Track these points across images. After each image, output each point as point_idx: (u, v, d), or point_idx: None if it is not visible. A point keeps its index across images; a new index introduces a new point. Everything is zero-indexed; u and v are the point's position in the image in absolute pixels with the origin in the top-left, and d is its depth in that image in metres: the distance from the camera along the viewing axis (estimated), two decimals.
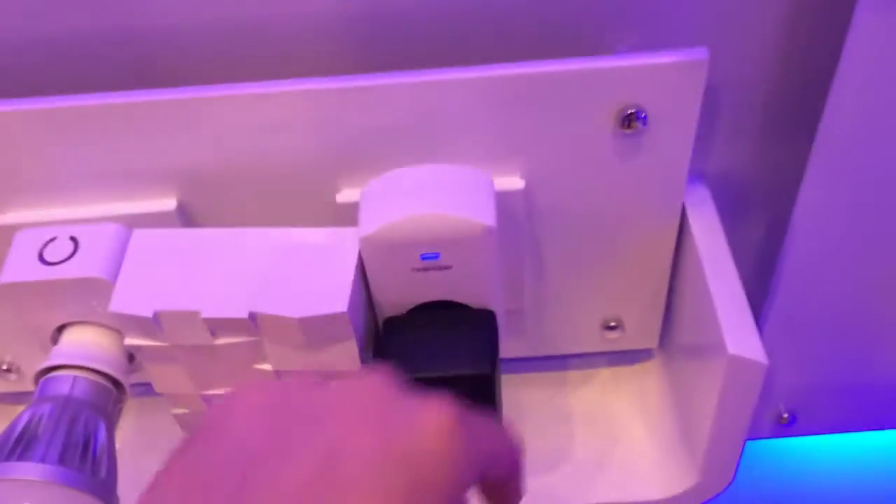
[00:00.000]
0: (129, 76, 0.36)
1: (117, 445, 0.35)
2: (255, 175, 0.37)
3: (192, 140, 0.36)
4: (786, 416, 0.51)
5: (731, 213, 0.42)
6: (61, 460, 0.32)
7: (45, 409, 0.34)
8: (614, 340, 0.46)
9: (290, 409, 0.22)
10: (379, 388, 0.23)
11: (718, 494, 0.43)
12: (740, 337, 0.35)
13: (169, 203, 0.37)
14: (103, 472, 0.33)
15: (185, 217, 0.38)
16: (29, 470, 0.32)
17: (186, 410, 0.39)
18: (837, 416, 0.53)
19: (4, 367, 0.45)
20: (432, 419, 0.21)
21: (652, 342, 0.46)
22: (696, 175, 0.41)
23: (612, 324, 0.45)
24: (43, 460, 0.32)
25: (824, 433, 0.53)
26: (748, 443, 0.49)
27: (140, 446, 0.46)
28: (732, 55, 0.37)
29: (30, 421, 0.33)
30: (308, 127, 0.35)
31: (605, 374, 0.49)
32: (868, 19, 0.32)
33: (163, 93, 0.34)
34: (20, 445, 0.32)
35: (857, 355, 0.48)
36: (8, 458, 0.32)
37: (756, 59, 0.37)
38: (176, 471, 0.22)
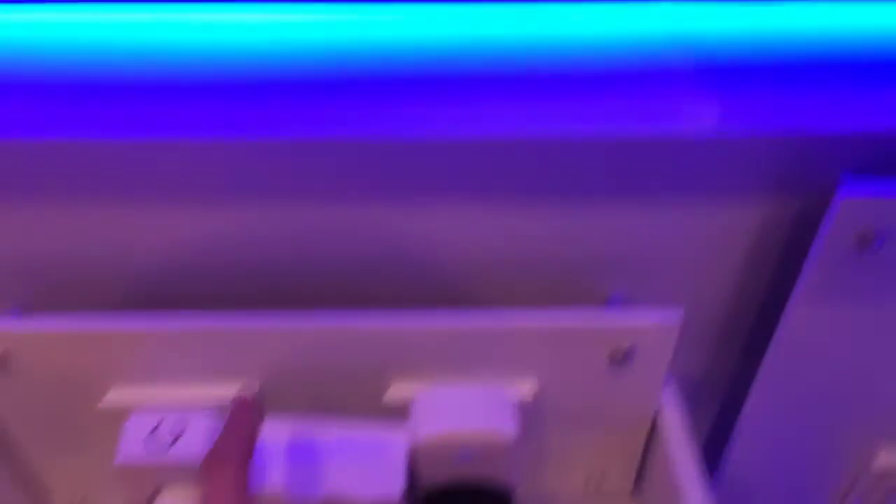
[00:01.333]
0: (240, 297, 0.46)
1: None
2: (320, 376, 0.46)
3: (268, 351, 0.45)
4: None
5: (695, 404, 0.53)
6: None
7: None
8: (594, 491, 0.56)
9: None
10: None
11: None
12: None
13: (251, 392, 0.46)
14: None
15: (263, 401, 0.47)
16: None
17: None
18: None
19: (79, 501, 0.54)
20: None
21: (627, 488, 0.56)
22: (669, 374, 0.51)
23: (598, 478, 0.55)
24: None
25: None
26: None
27: None
28: (697, 298, 0.47)
29: None
30: (363, 348, 0.45)
31: None
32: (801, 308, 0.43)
33: (253, 319, 0.44)
34: None
35: None
36: None
37: (720, 298, 0.48)
38: None
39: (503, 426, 0.43)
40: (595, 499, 0.59)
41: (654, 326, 0.44)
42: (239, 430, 0.38)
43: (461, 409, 0.44)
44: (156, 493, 0.46)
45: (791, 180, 0.42)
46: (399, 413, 0.46)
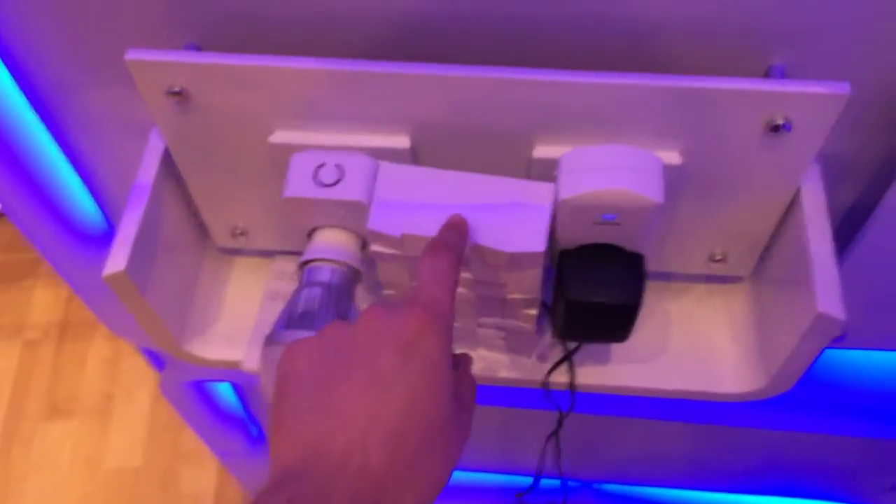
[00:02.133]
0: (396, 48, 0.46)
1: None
2: (469, 131, 0.47)
3: (425, 101, 0.46)
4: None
5: (834, 183, 0.53)
6: None
7: (316, 292, 0.47)
8: (717, 269, 0.57)
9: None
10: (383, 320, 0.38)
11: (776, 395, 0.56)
12: (829, 297, 0.47)
13: (404, 142, 0.48)
14: None
15: (415, 155, 0.49)
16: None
17: (395, 293, 0.52)
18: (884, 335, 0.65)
19: (238, 231, 0.58)
20: (412, 320, 0.37)
21: (746, 273, 0.58)
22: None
23: (719, 257, 0.56)
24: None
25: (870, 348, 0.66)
26: None
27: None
28: (862, 73, 0.46)
29: (306, 301, 0.47)
30: (514, 105, 0.45)
31: (701, 288, 0.61)
32: None
33: (409, 67, 0.44)
34: (304, 319, 0.46)
35: None
36: (298, 327, 0.45)
37: (880, 75, 0.46)
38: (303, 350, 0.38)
39: (651, 190, 0.44)
40: (710, 279, 0.61)
41: (820, 96, 0.43)
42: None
43: (610, 168, 0.45)
44: (314, 229, 0.50)
45: None
46: (545, 174, 0.47)
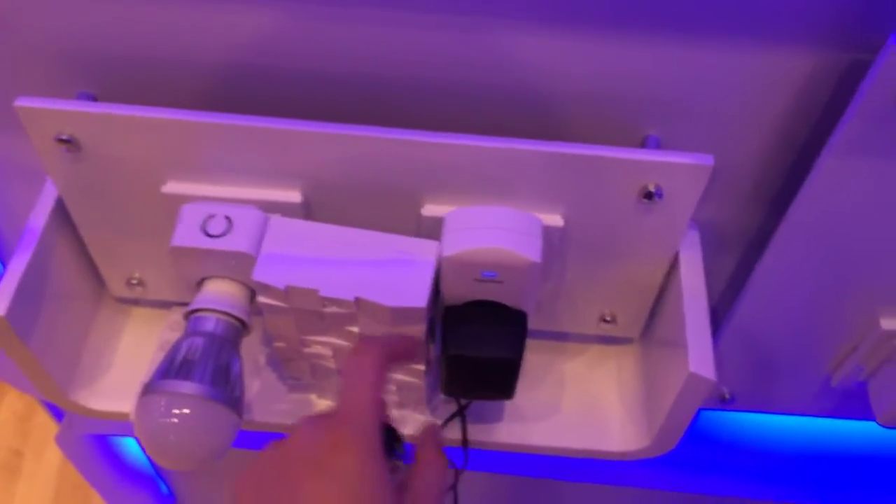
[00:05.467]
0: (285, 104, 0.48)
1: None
2: (361, 188, 0.49)
3: (316, 157, 0.47)
4: (727, 395, 0.65)
5: (713, 251, 0.55)
6: (212, 382, 0.46)
7: (199, 342, 0.47)
8: (607, 329, 0.59)
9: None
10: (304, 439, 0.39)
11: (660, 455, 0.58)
12: (700, 358, 0.48)
13: (296, 196, 0.49)
14: (238, 392, 0.47)
15: (307, 210, 0.50)
16: (191, 387, 0.45)
17: (284, 345, 0.53)
18: (768, 399, 0.67)
19: (135, 281, 0.58)
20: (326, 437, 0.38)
21: (635, 334, 0.60)
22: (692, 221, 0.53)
23: (608, 318, 0.58)
24: (200, 381, 0.45)
25: (758, 412, 0.67)
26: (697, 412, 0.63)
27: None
28: (731, 145, 0.48)
29: (188, 350, 0.47)
30: (403, 164, 0.47)
31: (594, 349, 0.63)
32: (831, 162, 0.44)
33: (303, 124, 0.46)
34: (183, 368, 0.46)
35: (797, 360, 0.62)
36: (175, 377, 0.45)
37: (754, 149, 0.49)
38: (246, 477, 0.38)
39: (529, 249, 0.46)
40: (603, 340, 0.62)
41: (686, 166, 0.45)
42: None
43: (491, 227, 0.46)
44: (203, 279, 0.50)
45: (844, 32, 0.42)
46: (434, 232, 0.49)
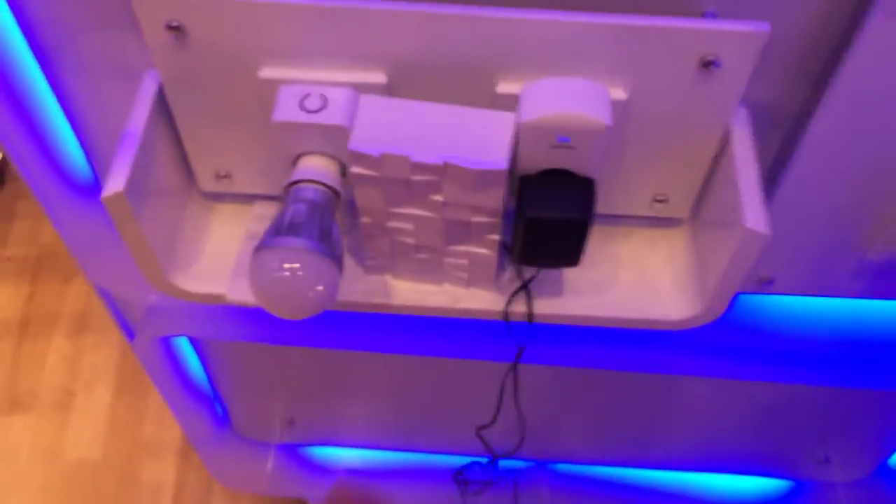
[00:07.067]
0: None
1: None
2: (439, 68, 0.53)
3: (398, 35, 0.52)
4: (766, 278, 0.70)
5: (762, 132, 0.60)
6: (319, 239, 0.51)
7: (302, 207, 0.52)
8: (659, 209, 0.64)
9: None
10: None
11: (713, 322, 0.63)
12: (755, 215, 0.53)
13: (381, 78, 0.54)
14: (339, 252, 0.52)
15: (390, 91, 0.54)
16: (301, 242, 0.50)
17: (370, 220, 0.58)
18: (807, 281, 0.72)
19: (223, 173, 0.63)
20: None
21: (685, 214, 0.64)
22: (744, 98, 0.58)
23: (661, 198, 0.63)
24: (308, 238, 0.50)
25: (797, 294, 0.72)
26: (739, 296, 0.69)
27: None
28: (782, 20, 0.53)
29: (293, 215, 0.51)
30: (480, 41, 0.51)
31: (645, 232, 0.67)
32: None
33: (383, 3, 0.50)
34: (292, 229, 0.51)
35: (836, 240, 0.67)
36: (286, 235, 0.50)
37: (797, 22, 0.53)
38: None
39: (601, 114, 0.51)
40: (653, 223, 0.67)
41: (744, 33, 0.50)
42: None
43: (564, 96, 0.51)
44: (298, 156, 0.55)
45: None
46: (509, 108, 0.53)
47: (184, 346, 0.93)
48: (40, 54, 0.58)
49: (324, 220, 0.52)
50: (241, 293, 0.62)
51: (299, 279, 0.50)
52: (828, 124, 0.56)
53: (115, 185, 0.53)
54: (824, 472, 1.17)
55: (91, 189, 0.71)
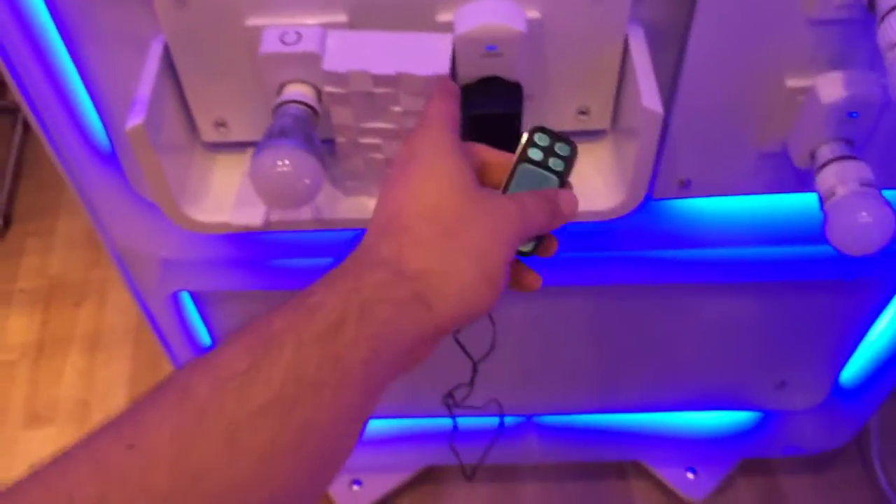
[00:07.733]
0: None
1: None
2: (390, 7, 0.67)
3: None
4: (683, 180, 0.83)
5: (658, 49, 0.73)
6: (304, 141, 0.63)
7: (288, 120, 0.65)
8: (584, 121, 0.77)
9: None
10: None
11: (635, 210, 0.76)
12: (650, 96, 0.66)
13: (343, 18, 0.67)
14: (322, 153, 0.65)
15: (352, 26, 0.68)
16: (290, 142, 0.63)
17: (344, 139, 0.71)
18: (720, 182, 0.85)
19: (220, 122, 0.76)
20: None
21: (607, 124, 0.78)
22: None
23: (584, 110, 0.76)
24: (295, 140, 0.63)
25: (712, 195, 0.86)
26: (660, 202, 0.82)
27: None
28: None
29: (280, 126, 0.64)
30: None
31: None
32: None
33: None
34: (281, 135, 0.64)
35: (734, 137, 0.80)
36: (278, 139, 0.63)
37: None
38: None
39: (519, 25, 0.64)
40: (581, 137, 0.80)
41: None
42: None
43: (488, 14, 0.65)
44: (282, 85, 0.68)
45: None
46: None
47: (191, 310, 1.05)
48: (62, 28, 0.72)
49: (306, 130, 0.65)
50: (244, 218, 0.74)
51: (290, 173, 0.62)
52: (703, 38, 0.70)
53: (136, 118, 0.66)
54: (783, 398, 1.28)
55: (109, 157, 0.83)
